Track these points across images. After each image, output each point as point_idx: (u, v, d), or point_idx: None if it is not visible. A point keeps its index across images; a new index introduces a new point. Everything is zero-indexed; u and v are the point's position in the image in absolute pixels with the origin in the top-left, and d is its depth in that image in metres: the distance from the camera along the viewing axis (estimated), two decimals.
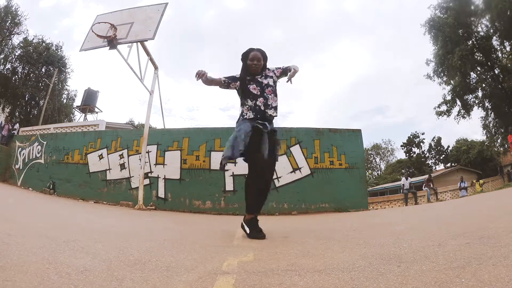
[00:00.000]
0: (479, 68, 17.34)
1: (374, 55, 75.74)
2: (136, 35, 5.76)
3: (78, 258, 1.32)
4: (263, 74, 2.49)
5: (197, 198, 6.19)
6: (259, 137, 2.24)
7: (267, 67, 2.54)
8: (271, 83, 2.48)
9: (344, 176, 6.27)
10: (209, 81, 2.45)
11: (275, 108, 2.44)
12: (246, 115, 2.38)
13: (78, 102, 18.55)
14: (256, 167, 2.26)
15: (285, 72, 2.56)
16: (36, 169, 8.09)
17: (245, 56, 2.47)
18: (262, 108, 2.36)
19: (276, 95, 2.48)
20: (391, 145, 45.66)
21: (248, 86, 2.41)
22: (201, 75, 2.36)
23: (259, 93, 2.39)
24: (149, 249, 1.66)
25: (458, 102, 17.97)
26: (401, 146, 38.52)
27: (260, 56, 2.45)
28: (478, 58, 16.96)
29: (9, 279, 0.95)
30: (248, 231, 2.28)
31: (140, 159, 6.25)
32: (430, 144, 36.98)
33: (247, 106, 2.40)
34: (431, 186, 13.14)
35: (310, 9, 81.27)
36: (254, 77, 2.45)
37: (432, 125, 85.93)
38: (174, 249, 1.72)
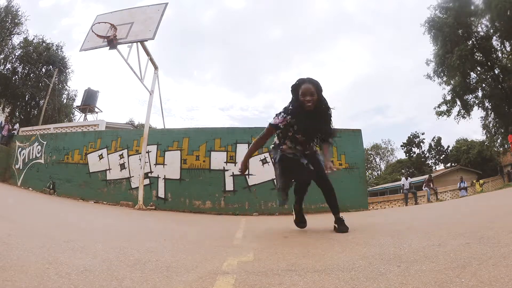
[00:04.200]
0: (479, 68, 17.31)
1: (374, 54, 75.64)
2: (136, 35, 5.76)
3: (78, 258, 1.32)
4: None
5: (197, 198, 6.18)
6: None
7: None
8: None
9: (344, 176, 6.26)
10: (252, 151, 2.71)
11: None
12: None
13: (78, 102, 18.58)
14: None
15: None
16: (36, 169, 8.09)
17: (296, 89, 2.31)
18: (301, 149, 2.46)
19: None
20: (391, 145, 45.65)
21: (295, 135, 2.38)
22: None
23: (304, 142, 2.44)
24: (149, 249, 1.66)
25: (458, 102, 17.94)
26: (401, 146, 38.56)
27: (313, 89, 2.26)
28: (478, 58, 16.93)
29: (9, 279, 0.95)
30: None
31: (140, 159, 6.25)
32: (430, 144, 37.01)
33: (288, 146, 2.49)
34: (431, 186, 13.13)
35: (310, 9, 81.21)
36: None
37: (432, 125, 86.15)
38: (174, 249, 1.72)
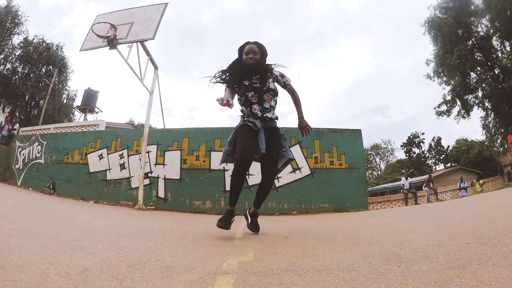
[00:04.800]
0: (479, 68, 17.32)
1: (374, 54, 75.81)
2: (136, 35, 5.77)
3: (78, 258, 1.32)
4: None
5: (197, 198, 6.19)
6: (247, 133, 2.20)
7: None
8: (271, 86, 2.33)
9: (344, 176, 6.27)
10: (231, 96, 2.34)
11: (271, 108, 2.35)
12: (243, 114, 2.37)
13: (78, 102, 18.62)
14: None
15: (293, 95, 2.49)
16: (36, 169, 8.10)
17: (240, 50, 2.33)
18: (259, 114, 2.28)
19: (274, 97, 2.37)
20: (391, 145, 45.69)
21: (247, 93, 2.28)
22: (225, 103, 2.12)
23: (256, 100, 2.28)
24: (149, 249, 1.66)
25: (458, 102, 17.96)
26: (401, 146, 38.62)
27: (256, 48, 2.27)
28: (478, 58, 16.94)
29: (9, 279, 0.95)
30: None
31: (140, 159, 6.25)
32: (430, 144, 37.05)
33: (242, 110, 2.36)
34: (431, 186, 13.14)
35: (310, 9, 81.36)
36: (251, 82, 2.27)
37: (432, 125, 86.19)
38: (174, 249, 1.72)
